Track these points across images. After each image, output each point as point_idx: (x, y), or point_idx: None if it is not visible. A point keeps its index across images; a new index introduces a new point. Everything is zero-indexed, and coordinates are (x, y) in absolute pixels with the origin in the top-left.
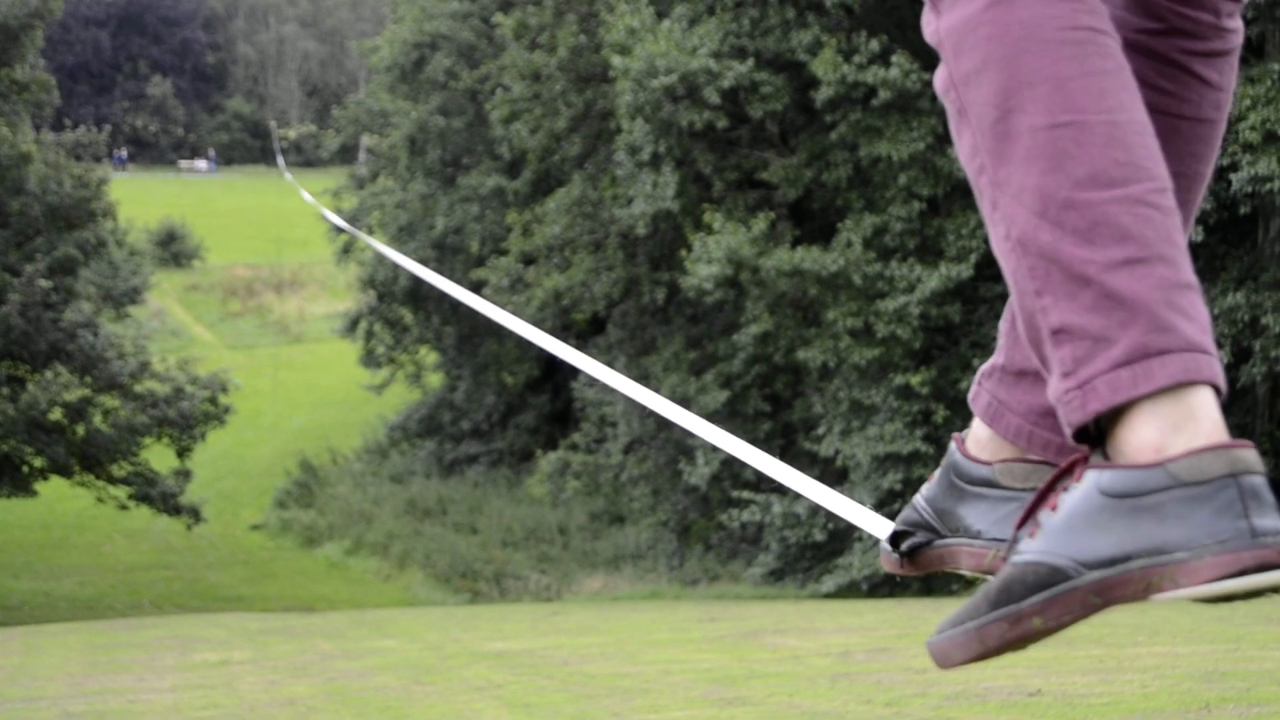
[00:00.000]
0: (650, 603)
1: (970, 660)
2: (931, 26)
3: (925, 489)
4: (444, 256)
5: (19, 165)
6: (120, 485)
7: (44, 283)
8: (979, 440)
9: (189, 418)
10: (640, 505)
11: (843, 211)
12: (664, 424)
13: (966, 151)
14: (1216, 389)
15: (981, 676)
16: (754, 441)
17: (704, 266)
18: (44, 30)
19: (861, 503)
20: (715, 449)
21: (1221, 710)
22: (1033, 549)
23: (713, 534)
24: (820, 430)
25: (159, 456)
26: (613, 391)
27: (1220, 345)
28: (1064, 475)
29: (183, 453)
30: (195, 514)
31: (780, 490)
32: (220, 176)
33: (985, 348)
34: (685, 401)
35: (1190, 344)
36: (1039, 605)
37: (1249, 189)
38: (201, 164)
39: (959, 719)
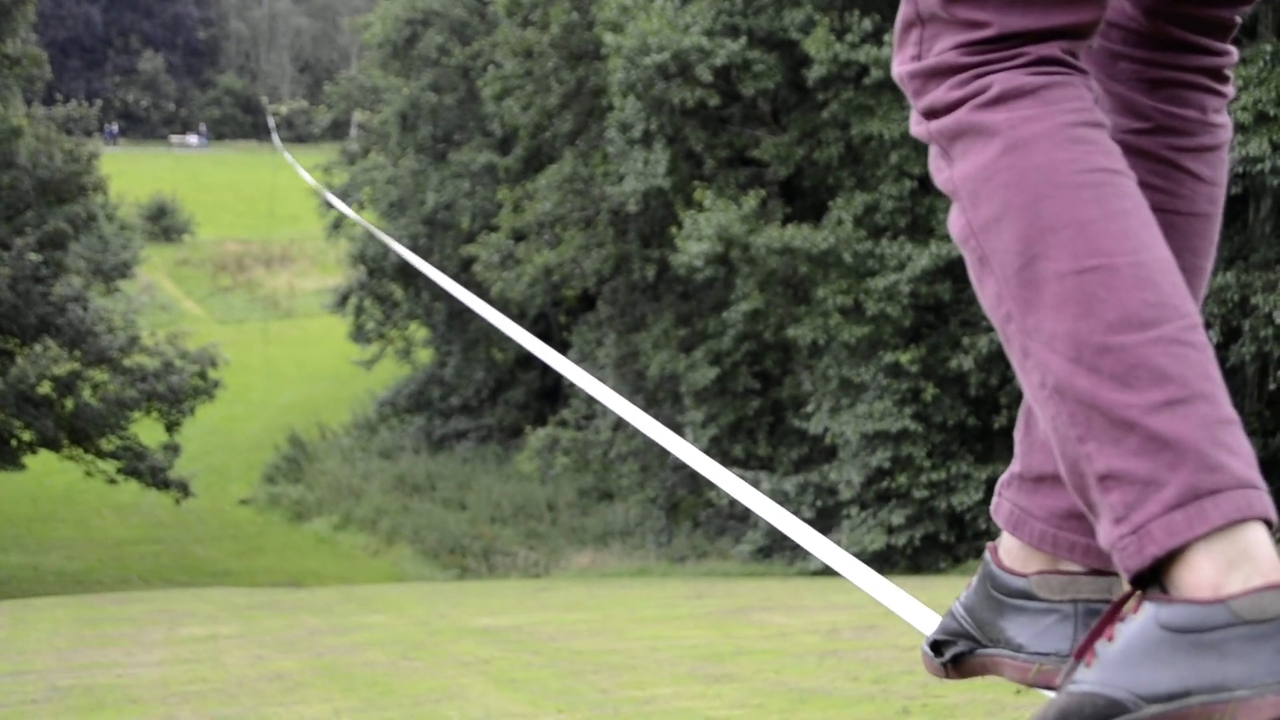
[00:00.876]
0: (638, 579)
1: None
2: (944, 174)
3: (964, 596)
4: (435, 233)
5: (10, 139)
6: (109, 459)
7: (34, 256)
8: (1010, 551)
9: (178, 392)
10: (629, 482)
11: (834, 189)
12: (653, 400)
13: (991, 300)
14: (1269, 522)
15: None
16: (743, 419)
17: (694, 244)
18: (36, 5)
19: (849, 481)
20: (704, 425)
21: None
22: (1090, 679)
23: (701, 511)
24: (809, 408)
25: (148, 431)
26: (602, 368)
27: (1209, 325)
28: (1121, 606)
29: (171, 427)
30: (184, 488)
31: (769, 467)
32: (211, 151)
33: (975, 325)
34: (674, 378)
35: (1240, 480)
36: None
37: (1240, 169)
38: (193, 139)
39: (946, 696)
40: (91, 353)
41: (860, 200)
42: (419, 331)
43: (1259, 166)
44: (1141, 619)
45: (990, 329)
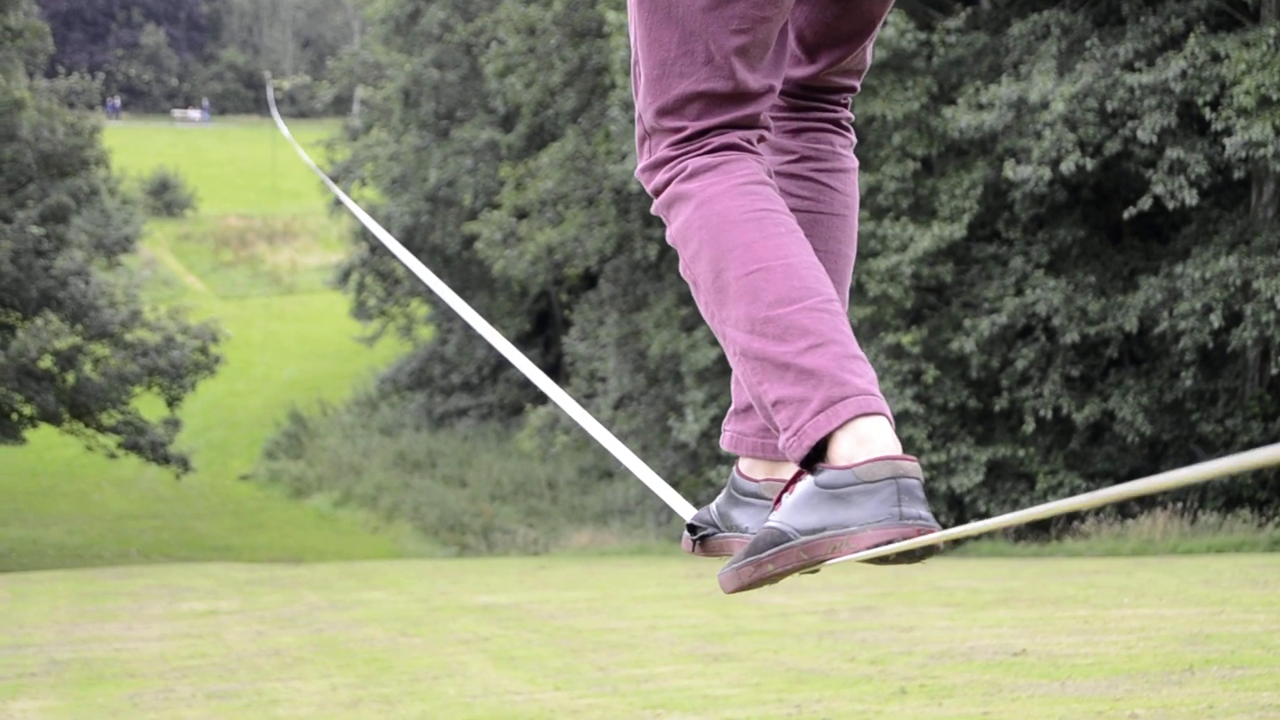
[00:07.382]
0: (637, 558)
1: (739, 589)
2: (669, 231)
3: (717, 499)
4: (437, 209)
5: (12, 112)
6: (109, 434)
7: (36, 230)
8: (746, 465)
9: (179, 367)
10: None
11: None
12: (654, 380)
13: (703, 307)
14: (888, 417)
15: (966, 636)
16: None
17: None
18: None
19: None
20: (705, 405)
21: (1205, 672)
22: (772, 519)
23: (701, 491)
24: None
25: (149, 405)
26: (603, 347)
27: (1211, 309)
28: (796, 480)
29: (172, 402)
30: (184, 463)
31: None
32: (213, 126)
33: (976, 308)
34: (676, 358)
35: (860, 390)
36: (772, 555)
37: (1243, 154)
38: (195, 113)
39: (943, 677)
40: (93, 327)
41: (863, 181)
42: (420, 308)
43: (1261, 151)
44: (804, 482)
45: (991, 311)
